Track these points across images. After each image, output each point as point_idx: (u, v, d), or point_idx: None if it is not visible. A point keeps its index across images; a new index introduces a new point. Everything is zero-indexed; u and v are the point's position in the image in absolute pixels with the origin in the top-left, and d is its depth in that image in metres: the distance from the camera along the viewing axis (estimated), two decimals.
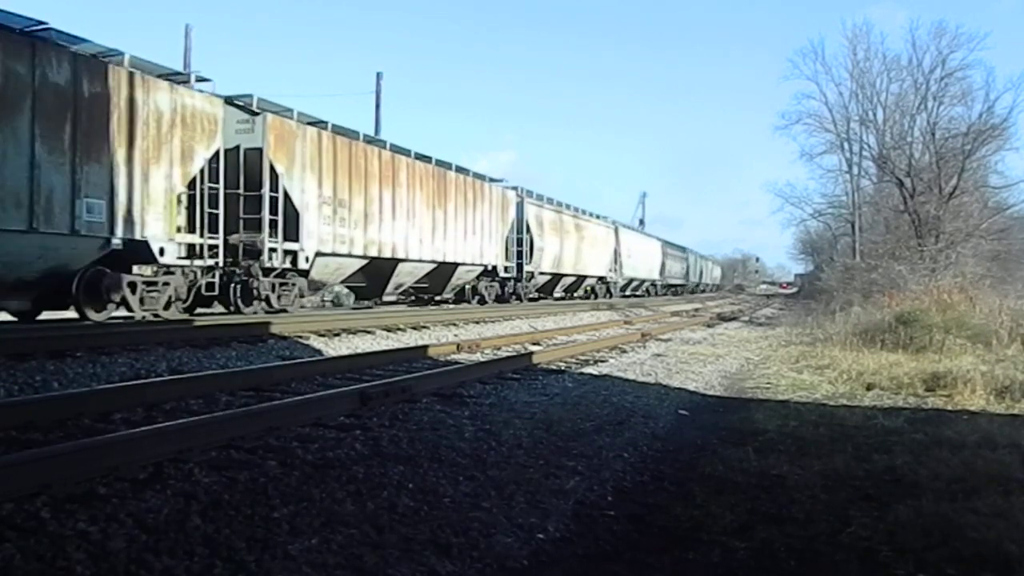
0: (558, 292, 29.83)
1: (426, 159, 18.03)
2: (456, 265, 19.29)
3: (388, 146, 16.65)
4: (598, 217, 32.44)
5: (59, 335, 8.16)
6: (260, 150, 12.47)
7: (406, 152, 17.20)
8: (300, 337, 10.08)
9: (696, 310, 27.92)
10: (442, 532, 3.04)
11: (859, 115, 30.62)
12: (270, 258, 12.64)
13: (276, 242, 12.69)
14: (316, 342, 10.00)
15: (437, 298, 20.19)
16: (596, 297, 31.48)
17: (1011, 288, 20.13)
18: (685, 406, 6.60)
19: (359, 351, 9.41)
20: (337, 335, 10.66)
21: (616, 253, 33.63)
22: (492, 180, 22.02)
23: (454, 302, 20.78)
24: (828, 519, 3.38)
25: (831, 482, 3.96)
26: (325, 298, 18.08)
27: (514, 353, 9.72)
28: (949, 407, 6.50)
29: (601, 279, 32.07)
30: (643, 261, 38.71)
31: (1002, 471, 4.09)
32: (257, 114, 12.61)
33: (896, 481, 3.96)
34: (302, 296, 14.09)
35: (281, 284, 13.27)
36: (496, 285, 22.36)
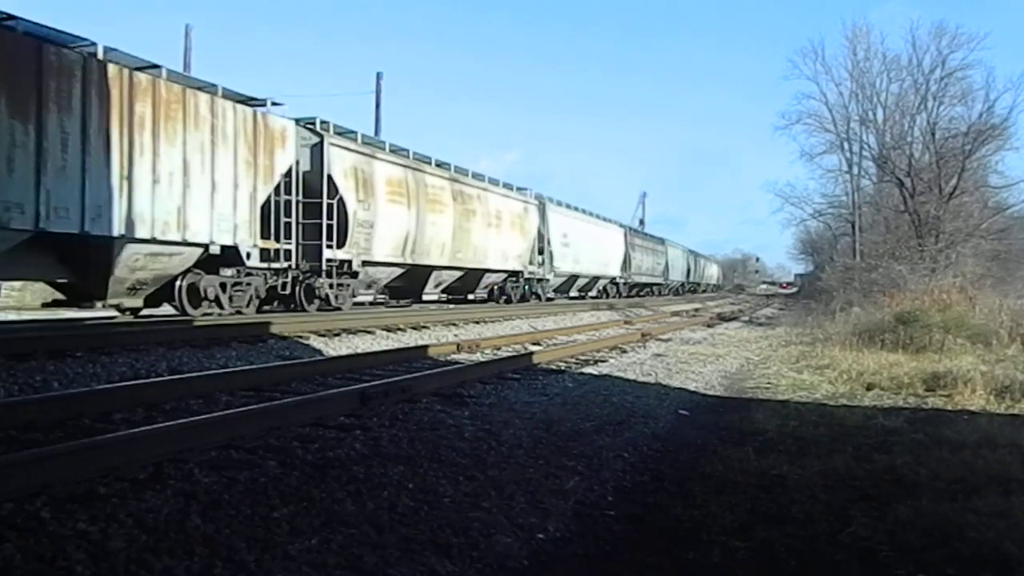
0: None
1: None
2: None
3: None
4: (506, 186, 22.54)
5: (59, 335, 8.16)
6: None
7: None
8: (300, 337, 10.08)
9: (696, 310, 27.91)
10: (442, 532, 3.04)
11: (859, 115, 30.64)
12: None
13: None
14: (316, 342, 10.00)
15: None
16: (497, 299, 22.66)
17: (1011, 288, 20.17)
18: (685, 406, 6.60)
19: (359, 351, 9.41)
20: (337, 335, 10.66)
21: (539, 238, 24.38)
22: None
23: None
24: (828, 519, 3.38)
25: (831, 482, 3.96)
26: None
27: (514, 353, 9.72)
28: (949, 407, 6.50)
29: (513, 275, 22.85)
30: (592, 252, 29.73)
31: (1002, 471, 4.09)
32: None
33: (896, 481, 3.96)
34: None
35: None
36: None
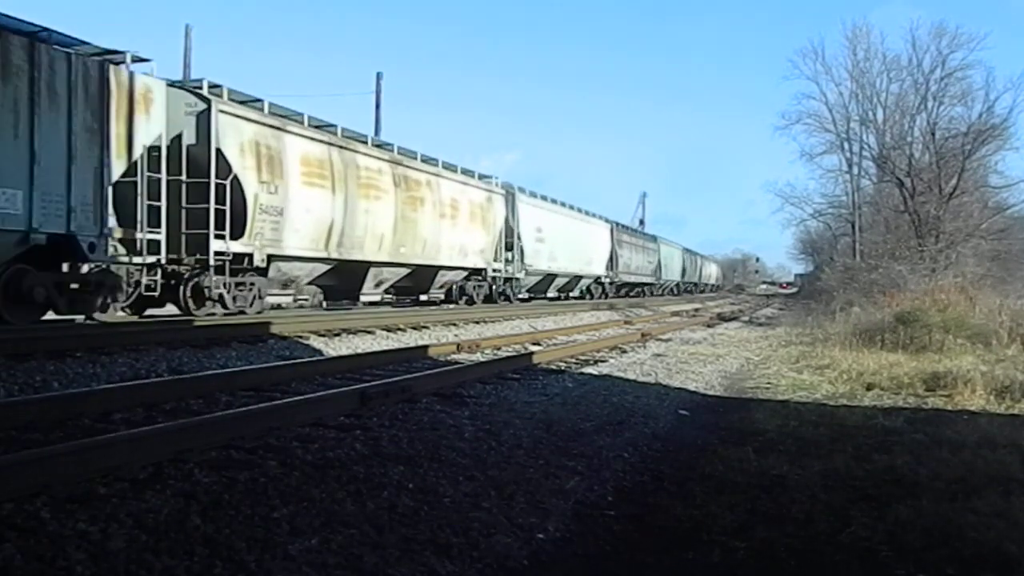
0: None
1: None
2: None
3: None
4: (466, 173, 19.96)
5: (59, 335, 8.16)
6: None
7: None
8: (300, 337, 10.08)
9: (696, 310, 27.91)
10: (442, 532, 3.04)
11: (859, 115, 30.74)
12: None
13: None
14: (316, 342, 10.00)
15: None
16: (456, 300, 20.02)
17: (1011, 288, 20.17)
18: (685, 406, 6.60)
19: (359, 351, 9.41)
20: (337, 335, 10.67)
21: (507, 232, 22.04)
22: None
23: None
24: (828, 519, 3.38)
25: (831, 482, 3.96)
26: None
27: (514, 353, 9.72)
28: (949, 407, 6.50)
29: (475, 273, 20.38)
30: (571, 249, 27.54)
31: (1002, 471, 4.09)
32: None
33: (896, 481, 3.96)
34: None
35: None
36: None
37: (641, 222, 61.77)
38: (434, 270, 18.00)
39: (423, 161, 17.66)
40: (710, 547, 3.06)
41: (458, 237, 18.75)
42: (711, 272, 72.77)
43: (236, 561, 2.61)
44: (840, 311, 15.80)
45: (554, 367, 8.59)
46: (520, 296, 24.03)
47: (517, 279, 23.03)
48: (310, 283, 14.86)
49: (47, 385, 6.15)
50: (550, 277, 26.59)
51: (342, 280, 15.32)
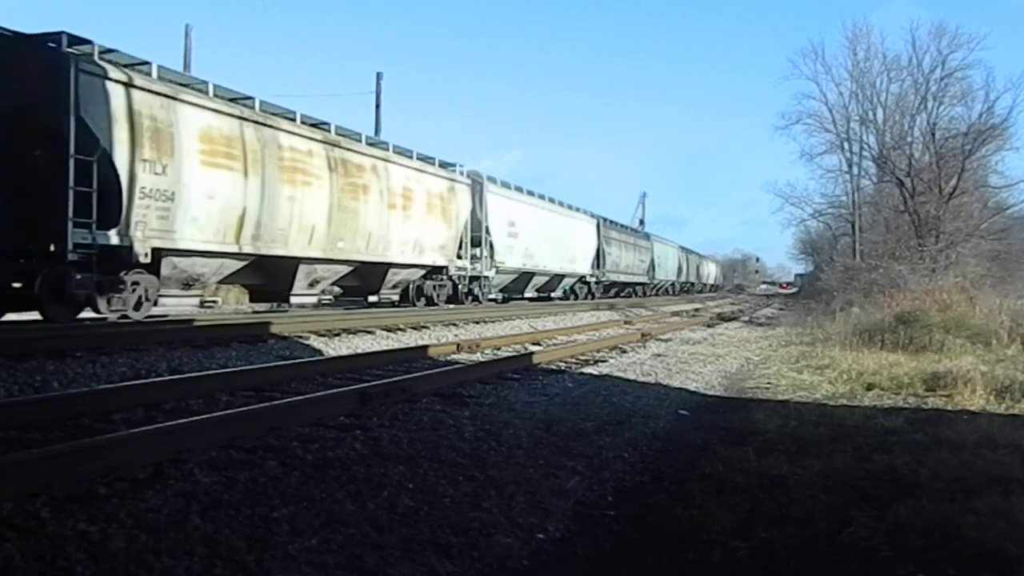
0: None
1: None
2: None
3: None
4: (423, 159, 17.41)
5: (59, 335, 8.16)
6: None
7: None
8: (300, 337, 10.09)
9: (696, 310, 27.92)
10: (442, 532, 3.04)
11: (859, 115, 30.73)
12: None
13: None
14: (316, 342, 10.00)
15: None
16: (414, 301, 17.68)
17: (1011, 288, 20.19)
18: (685, 406, 6.60)
19: (359, 351, 9.41)
20: (337, 335, 10.67)
21: (473, 226, 19.69)
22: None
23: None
24: (828, 519, 3.38)
25: (831, 482, 3.96)
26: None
27: (514, 353, 9.72)
28: (949, 407, 6.50)
29: (435, 271, 18.06)
30: (551, 245, 25.23)
31: (1002, 471, 4.09)
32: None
33: (896, 481, 3.96)
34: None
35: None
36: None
37: (641, 222, 61.74)
38: (383, 268, 15.80)
39: (369, 144, 15.45)
40: (710, 547, 3.06)
41: (412, 231, 16.49)
42: (710, 272, 72.08)
43: (236, 561, 2.61)
44: (840, 311, 15.80)
45: (554, 367, 8.59)
46: (491, 297, 21.92)
47: (486, 278, 20.60)
48: (223, 281, 12.81)
49: (47, 385, 6.15)
50: (526, 276, 24.29)
51: (266, 279, 13.16)
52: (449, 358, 9.10)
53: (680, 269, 51.69)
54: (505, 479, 3.84)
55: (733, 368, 9.69)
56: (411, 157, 16.91)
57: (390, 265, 15.93)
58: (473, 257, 19.88)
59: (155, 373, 6.99)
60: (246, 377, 6.51)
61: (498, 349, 10.43)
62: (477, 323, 14.56)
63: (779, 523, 3.33)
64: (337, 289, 16.33)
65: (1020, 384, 7.05)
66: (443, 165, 18.34)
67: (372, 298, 16.55)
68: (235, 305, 14.17)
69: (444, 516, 3.23)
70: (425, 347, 9.62)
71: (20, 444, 4.06)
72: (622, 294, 36.14)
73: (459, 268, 18.92)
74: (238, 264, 12.10)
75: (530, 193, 24.68)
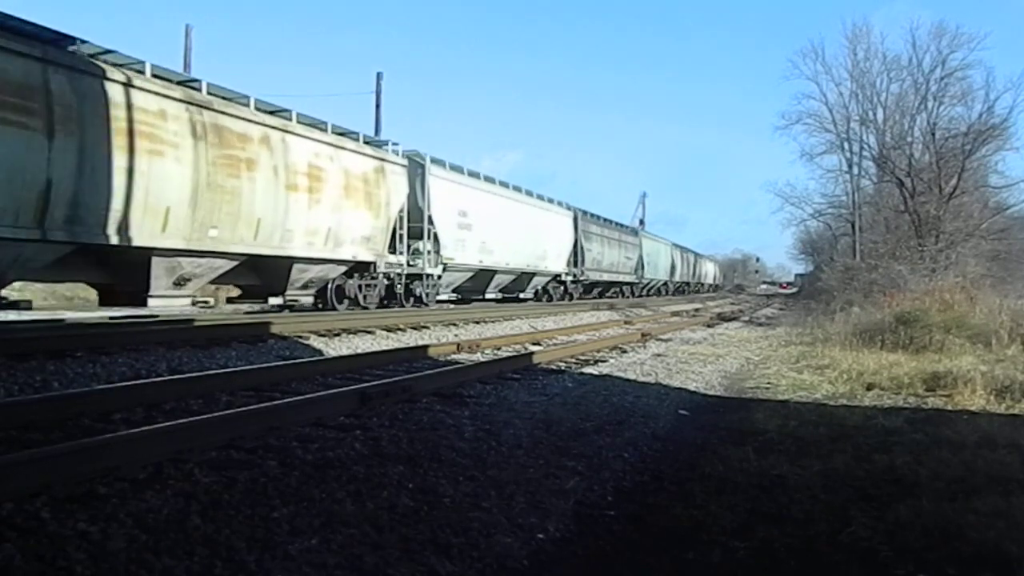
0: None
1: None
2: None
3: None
4: (343, 134, 14.38)
5: (59, 335, 8.16)
6: None
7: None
8: (300, 337, 10.09)
9: (696, 310, 27.92)
10: (442, 532, 3.04)
11: (859, 115, 30.70)
12: None
13: None
14: (316, 342, 10.00)
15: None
16: (334, 305, 14.75)
17: (1011, 288, 20.18)
18: (685, 406, 6.60)
19: (359, 351, 9.41)
20: (337, 335, 10.67)
21: (412, 216, 16.81)
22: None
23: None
24: (828, 519, 3.38)
25: (831, 482, 3.96)
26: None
27: (514, 353, 9.72)
28: (949, 407, 6.50)
29: (361, 267, 15.24)
30: (515, 240, 21.93)
31: (1002, 471, 4.09)
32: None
33: (896, 481, 3.96)
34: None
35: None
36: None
37: (641, 222, 61.69)
38: (286, 263, 12.76)
39: (260, 110, 12.09)
40: (710, 547, 3.06)
41: (323, 219, 13.36)
42: (709, 271, 71.06)
43: (236, 561, 2.61)
44: (840, 311, 15.80)
45: (554, 367, 8.59)
46: (439, 298, 19.06)
47: (431, 276, 17.67)
48: (33, 278, 10.12)
49: (47, 385, 6.16)
50: (485, 274, 20.84)
51: (109, 275, 10.38)
52: (449, 358, 9.11)
53: (674, 268, 48.50)
54: (505, 479, 3.84)
55: (733, 368, 9.69)
56: (324, 130, 13.76)
57: (294, 260, 12.86)
58: (413, 252, 17.01)
59: (155, 373, 6.99)
60: (246, 377, 6.51)
61: (498, 349, 10.43)
62: (477, 323, 14.58)
63: (779, 523, 3.33)
64: (234, 290, 13.80)
65: (1020, 384, 7.05)
66: (370, 142, 15.30)
67: (275, 300, 13.46)
68: (72, 313, 11.17)
69: (444, 516, 3.23)
70: (425, 347, 9.62)
71: (20, 444, 4.06)
72: (606, 295, 33.23)
73: (391, 264, 15.92)
74: (51, 255, 9.08)
75: (489, 180, 21.02)
